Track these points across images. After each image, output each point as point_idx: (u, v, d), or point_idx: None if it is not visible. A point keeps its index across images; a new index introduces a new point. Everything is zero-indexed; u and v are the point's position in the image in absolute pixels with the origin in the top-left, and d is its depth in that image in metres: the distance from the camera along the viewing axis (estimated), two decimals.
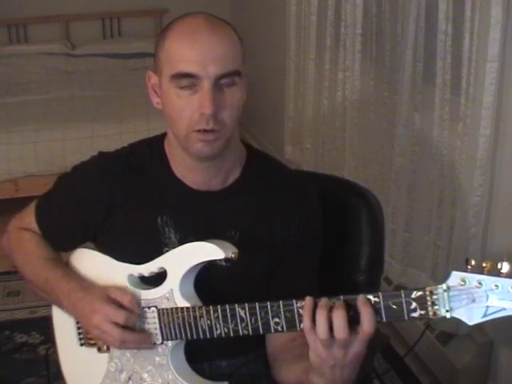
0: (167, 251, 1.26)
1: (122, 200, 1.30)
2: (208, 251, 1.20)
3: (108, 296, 1.23)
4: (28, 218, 1.42)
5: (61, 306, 1.33)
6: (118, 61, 4.54)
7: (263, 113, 4.15)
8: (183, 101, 1.17)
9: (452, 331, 2.18)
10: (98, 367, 1.31)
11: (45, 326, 2.56)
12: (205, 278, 1.25)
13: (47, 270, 1.34)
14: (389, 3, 2.43)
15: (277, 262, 1.31)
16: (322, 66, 2.97)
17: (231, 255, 1.19)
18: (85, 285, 1.29)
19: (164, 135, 1.33)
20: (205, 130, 1.17)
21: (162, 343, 1.24)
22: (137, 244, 1.30)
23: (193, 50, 1.15)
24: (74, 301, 1.27)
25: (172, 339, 1.23)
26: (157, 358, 1.25)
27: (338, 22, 2.82)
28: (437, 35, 2.09)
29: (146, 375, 1.26)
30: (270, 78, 3.90)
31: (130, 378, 1.28)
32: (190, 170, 1.28)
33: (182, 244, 1.24)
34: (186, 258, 1.22)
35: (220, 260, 1.20)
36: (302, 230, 1.30)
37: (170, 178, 1.30)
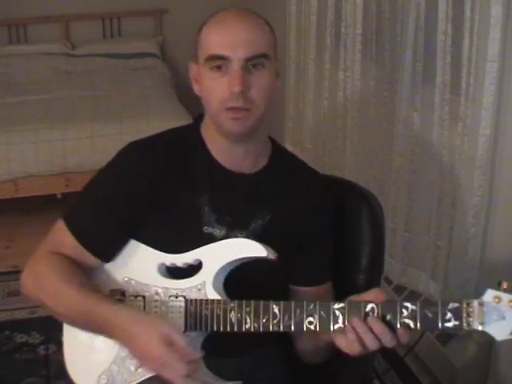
0: (206, 230, 1.31)
1: (163, 184, 1.31)
2: (250, 248, 1.24)
3: (166, 338, 1.16)
4: (55, 236, 1.35)
5: (103, 334, 1.26)
6: (118, 61, 4.54)
7: None
8: (215, 81, 1.25)
9: (452, 331, 2.18)
10: (106, 353, 1.30)
11: (45, 326, 2.58)
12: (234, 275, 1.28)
13: (80, 298, 1.25)
14: (389, 3, 2.43)
15: (296, 250, 1.35)
16: (322, 66, 2.97)
17: (271, 256, 1.22)
18: (132, 317, 1.22)
19: (198, 122, 1.39)
20: (235, 108, 1.24)
21: (184, 333, 1.24)
22: (178, 223, 1.31)
23: (223, 35, 1.25)
24: (122, 337, 1.22)
25: (196, 330, 1.24)
26: None
27: (338, 22, 2.82)
28: (437, 35, 2.09)
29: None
30: None
31: (140, 366, 1.26)
32: (224, 151, 1.33)
33: (219, 224, 1.31)
34: (226, 252, 1.26)
35: (259, 259, 1.23)
36: (322, 223, 1.38)
37: (207, 158, 1.34)
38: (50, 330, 2.53)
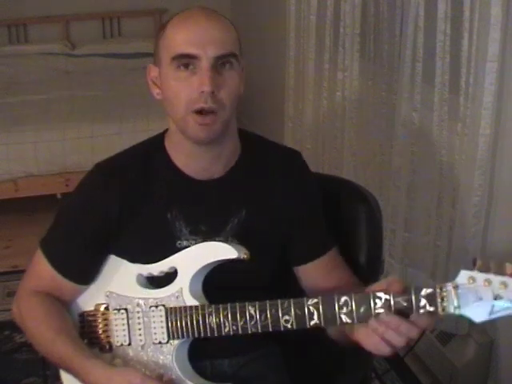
0: (180, 244, 1.29)
1: (131, 203, 1.30)
2: (221, 251, 1.23)
3: None
4: (36, 268, 1.36)
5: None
6: (118, 61, 4.54)
7: (263, 113, 4.15)
8: (182, 82, 1.21)
9: (452, 331, 2.18)
10: None
11: None
12: (213, 278, 1.27)
13: (59, 347, 1.26)
14: (387, 3, 2.43)
15: (284, 238, 1.35)
16: (321, 66, 2.97)
17: (243, 256, 1.21)
18: (105, 375, 1.22)
19: (162, 134, 1.36)
20: (202, 111, 1.20)
21: (167, 342, 1.25)
22: (151, 242, 1.30)
23: (191, 33, 1.21)
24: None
25: (178, 338, 1.24)
26: (161, 357, 1.26)
27: (336, 22, 2.82)
28: (436, 35, 2.09)
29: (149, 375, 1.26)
30: (270, 77, 3.90)
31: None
32: (191, 158, 1.30)
33: (194, 235, 1.29)
34: (198, 257, 1.25)
35: (232, 260, 1.22)
36: (303, 201, 1.36)
37: (173, 171, 1.31)
38: None
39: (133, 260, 1.31)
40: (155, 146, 1.34)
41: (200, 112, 1.20)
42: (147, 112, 3.64)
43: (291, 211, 1.34)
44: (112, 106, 3.78)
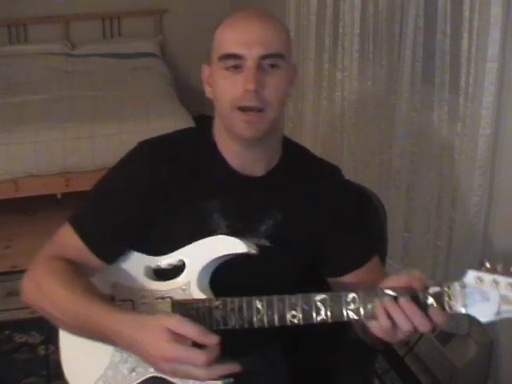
0: None
1: (173, 186, 1.28)
2: (230, 245, 1.23)
3: (174, 335, 1.10)
4: (61, 239, 1.30)
5: (109, 343, 1.21)
6: (118, 61, 4.54)
7: None
8: (228, 80, 1.22)
9: (452, 331, 2.18)
10: (101, 358, 1.29)
11: (45, 326, 2.57)
12: (222, 274, 1.26)
13: (87, 306, 1.18)
14: (386, 4, 2.43)
15: (316, 249, 1.34)
16: (321, 66, 2.98)
17: (252, 251, 1.22)
18: (137, 318, 1.16)
19: (209, 125, 1.35)
20: (247, 108, 1.21)
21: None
22: (187, 232, 1.28)
23: (238, 33, 1.23)
24: (129, 342, 1.15)
25: None
26: None
27: (336, 22, 2.83)
28: (436, 35, 2.09)
29: (152, 367, 1.22)
30: None
31: (133, 370, 1.26)
32: (236, 155, 1.30)
33: (231, 230, 1.27)
34: (208, 250, 1.25)
35: (241, 254, 1.22)
36: (340, 215, 1.34)
37: (220, 161, 1.31)
38: (50, 330, 2.52)
39: (161, 251, 1.27)
40: (204, 133, 1.35)
41: (244, 109, 1.21)
42: (147, 112, 3.64)
43: (328, 224, 1.33)
44: (112, 105, 3.78)
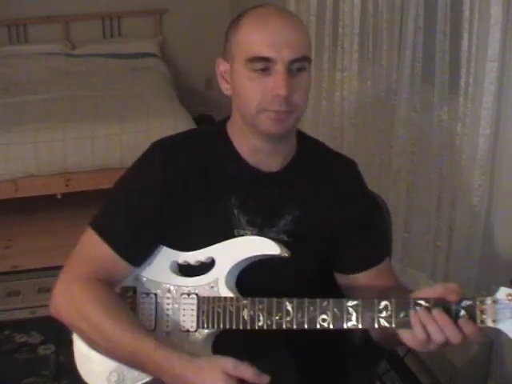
0: (238, 233, 1.28)
1: (192, 185, 1.28)
2: (264, 246, 1.24)
3: (228, 375, 1.12)
4: (86, 250, 1.29)
5: (156, 377, 1.20)
6: (118, 61, 4.54)
7: None
8: (255, 82, 1.20)
9: None
10: None
11: (45, 326, 2.58)
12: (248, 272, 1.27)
13: (132, 339, 1.17)
14: (386, 4, 2.43)
15: (332, 245, 1.35)
16: (321, 66, 2.98)
17: (285, 254, 1.22)
18: (189, 361, 1.15)
19: (223, 122, 1.35)
20: (277, 111, 1.21)
21: (195, 331, 1.24)
22: (210, 229, 1.28)
23: (267, 35, 1.19)
24: (181, 381, 1.15)
25: (208, 327, 1.24)
26: (186, 345, 1.24)
27: (336, 22, 2.83)
28: (435, 35, 2.09)
29: None
30: None
31: None
32: (254, 151, 1.29)
33: (251, 225, 1.28)
34: (239, 249, 1.25)
35: (274, 256, 1.22)
36: (355, 211, 1.34)
37: (236, 159, 1.30)
38: (50, 330, 2.53)
39: (190, 247, 1.28)
40: (217, 131, 1.34)
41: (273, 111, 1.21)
42: (147, 112, 3.64)
43: (341, 218, 1.33)
44: (112, 106, 3.78)
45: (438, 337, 1.09)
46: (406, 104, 2.31)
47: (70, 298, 1.24)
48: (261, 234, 1.28)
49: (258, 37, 1.20)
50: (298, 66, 1.20)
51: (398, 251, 2.42)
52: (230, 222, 1.29)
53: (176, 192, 1.27)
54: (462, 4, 1.94)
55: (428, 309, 1.10)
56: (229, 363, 1.12)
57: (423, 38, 2.20)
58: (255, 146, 1.29)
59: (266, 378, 1.12)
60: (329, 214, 1.33)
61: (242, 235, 1.28)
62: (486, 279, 2.04)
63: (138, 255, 1.29)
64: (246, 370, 1.11)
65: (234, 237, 1.28)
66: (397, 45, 2.36)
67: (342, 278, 1.38)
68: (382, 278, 1.35)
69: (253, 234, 1.29)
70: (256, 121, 1.23)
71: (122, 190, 1.31)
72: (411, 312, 1.11)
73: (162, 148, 1.30)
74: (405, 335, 1.12)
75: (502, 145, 1.95)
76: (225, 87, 1.29)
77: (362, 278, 1.35)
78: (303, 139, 1.38)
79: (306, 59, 1.22)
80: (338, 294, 1.37)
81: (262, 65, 1.19)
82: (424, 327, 1.09)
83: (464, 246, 2.06)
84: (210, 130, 1.38)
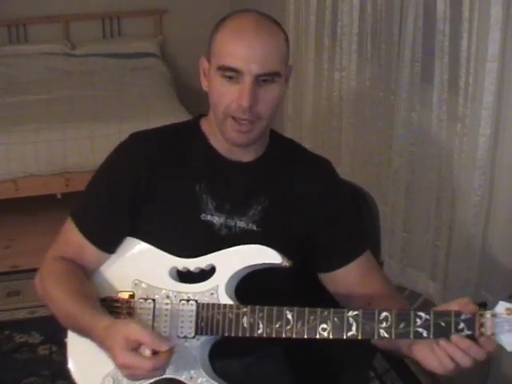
0: (204, 217, 1.33)
1: (161, 172, 1.34)
2: (265, 255, 1.24)
3: (128, 342, 1.15)
4: (63, 236, 1.39)
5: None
6: (118, 61, 4.54)
7: None
8: (225, 88, 1.27)
9: None
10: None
11: (45, 326, 2.58)
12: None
13: (74, 306, 1.26)
14: (385, 4, 2.43)
15: (306, 238, 1.36)
16: (320, 66, 2.98)
17: (286, 264, 1.23)
18: (106, 324, 1.20)
19: (196, 118, 1.44)
20: (240, 119, 1.27)
21: (193, 337, 1.24)
22: (176, 211, 1.34)
23: (238, 47, 1.25)
24: (99, 343, 1.22)
25: (206, 334, 1.24)
26: (183, 351, 1.25)
27: (335, 22, 2.83)
28: (435, 35, 2.09)
29: (167, 368, 1.22)
30: None
31: None
32: (223, 144, 1.35)
33: (219, 212, 1.33)
34: (241, 257, 1.26)
35: (275, 266, 1.23)
36: (329, 203, 1.37)
37: (206, 148, 1.37)
38: (50, 330, 2.53)
39: (154, 234, 1.33)
40: (191, 125, 1.42)
41: (236, 119, 1.27)
42: (147, 112, 3.64)
43: (312, 211, 1.36)
44: (112, 105, 3.78)
45: (465, 361, 1.11)
46: (405, 104, 2.31)
47: (40, 279, 1.35)
48: (229, 220, 1.33)
49: (230, 48, 1.26)
50: (266, 78, 1.26)
51: (397, 251, 2.42)
52: (197, 206, 1.33)
53: (144, 179, 1.33)
54: (461, 4, 1.94)
55: (427, 321, 1.11)
56: (129, 328, 1.16)
57: (422, 37, 2.19)
58: (225, 145, 1.35)
59: (165, 346, 1.14)
60: (299, 205, 1.36)
61: (209, 220, 1.33)
62: (486, 279, 2.05)
63: (107, 240, 1.35)
64: (145, 335, 1.14)
65: (201, 221, 1.32)
66: (396, 45, 2.36)
67: (325, 280, 1.39)
68: (367, 276, 1.36)
69: (220, 220, 1.33)
70: (223, 127, 1.30)
71: (96, 178, 1.40)
72: (434, 346, 1.12)
73: (135, 138, 1.39)
74: (433, 364, 1.13)
75: (502, 145, 1.95)
76: (205, 84, 1.35)
77: (344, 275, 1.36)
78: (276, 136, 1.43)
79: (274, 74, 1.26)
80: (327, 301, 1.36)
81: (231, 74, 1.25)
82: (451, 357, 1.11)
83: (464, 246, 2.06)
84: (184, 123, 1.47)
